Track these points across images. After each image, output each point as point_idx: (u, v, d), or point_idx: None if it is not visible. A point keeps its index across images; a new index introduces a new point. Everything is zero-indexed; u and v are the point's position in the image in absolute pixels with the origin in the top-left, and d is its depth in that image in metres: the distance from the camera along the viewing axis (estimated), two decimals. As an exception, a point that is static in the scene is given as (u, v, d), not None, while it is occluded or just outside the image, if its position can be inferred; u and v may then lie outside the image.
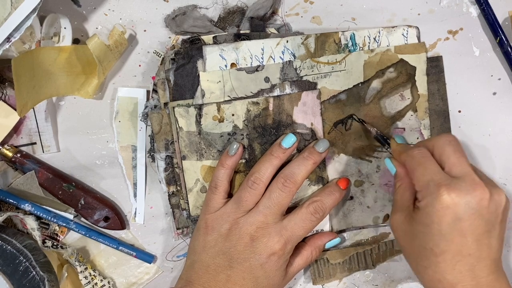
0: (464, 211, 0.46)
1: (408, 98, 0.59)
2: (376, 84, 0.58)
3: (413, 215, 0.50)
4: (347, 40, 0.57)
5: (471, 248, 0.47)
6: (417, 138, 0.59)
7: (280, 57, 0.56)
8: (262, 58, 0.56)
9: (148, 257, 0.61)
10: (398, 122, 0.59)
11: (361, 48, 0.58)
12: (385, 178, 0.60)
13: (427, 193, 0.48)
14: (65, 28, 0.56)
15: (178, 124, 0.56)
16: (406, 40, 0.58)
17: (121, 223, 0.60)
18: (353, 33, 0.57)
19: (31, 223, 0.58)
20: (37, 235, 0.58)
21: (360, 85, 0.58)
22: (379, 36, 0.58)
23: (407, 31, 0.58)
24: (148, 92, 0.59)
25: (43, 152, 0.60)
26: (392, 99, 0.59)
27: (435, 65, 0.60)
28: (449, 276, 0.48)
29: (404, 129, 0.59)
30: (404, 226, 0.51)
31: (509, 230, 0.63)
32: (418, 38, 0.59)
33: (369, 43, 0.58)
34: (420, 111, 0.59)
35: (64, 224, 0.59)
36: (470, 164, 0.49)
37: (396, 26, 0.58)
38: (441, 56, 0.60)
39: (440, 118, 0.60)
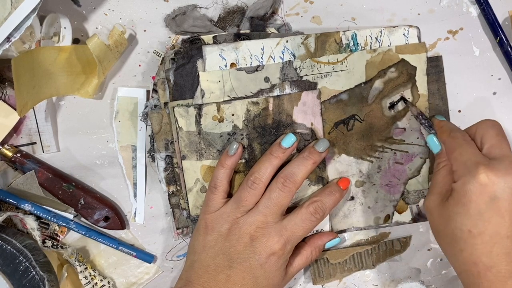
0: (503, 191, 0.46)
1: (409, 98, 0.59)
2: (378, 84, 0.58)
3: (448, 198, 0.49)
4: (348, 40, 0.57)
5: (509, 229, 0.47)
6: (417, 138, 0.59)
7: (280, 57, 0.56)
8: (262, 58, 0.56)
9: (148, 257, 0.61)
10: (398, 122, 0.59)
11: (362, 48, 0.58)
12: (386, 178, 0.60)
13: (464, 171, 0.48)
14: (65, 28, 0.56)
15: (178, 124, 0.56)
16: (407, 40, 0.58)
17: (121, 223, 0.60)
18: (355, 33, 0.57)
19: (31, 223, 0.58)
20: (37, 235, 0.58)
21: (362, 85, 0.58)
22: (381, 36, 0.58)
23: (408, 31, 0.58)
24: (148, 92, 0.59)
25: (43, 152, 0.60)
26: (393, 99, 0.59)
27: (435, 65, 0.60)
28: (485, 259, 0.47)
29: (404, 129, 0.59)
30: (440, 209, 0.50)
31: None
32: (419, 38, 0.59)
33: (371, 42, 0.58)
34: (420, 111, 0.59)
35: (64, 224, 0.59)
36: (510, 145, 0.49)
37: (397, 26, 0.58)
38: (441, 56, 0.60)
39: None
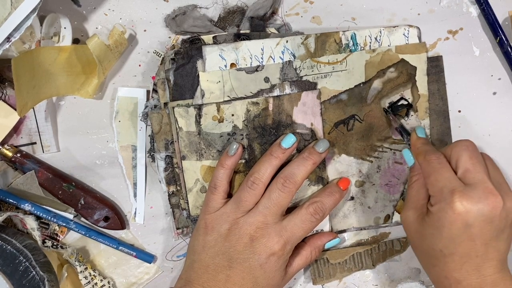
0: (475, 218, 0.48)
1: (409, 98, 0.59)
2: (377, 84, 0.58)
3: (425, 217, 0.51)
4: (348, 40, 0.57)
5: (479, 251, 0.49)
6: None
7: (280, 57, 0.56)
8: (262, 58, 0.56)
9: (148, 257, 0.61)
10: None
11: (362, 48, 0.58)
12: (386, 178, 0.60)
13: (440, 198, 0.49)
14: (65, 28, 0.56)
15: (177, 124, 0.56)
16: (407, 40, 0.58)
17: (121, 223, 0.60)
18: (354, 33, 0.57)
19: (31, 223, 0.58)
20: (37, 235, 0.58)
21: (361, 85, 0.58)
22: (380, 36, 0.58)
23: (408, 31, 0.58)
24: (148, 92, 0.59)
25: (43, 152, 0.60)
26: (392, 100, 0.59)
27: (435, 65, 0.60)
28: (456, 274, 0.50)
29: (404, 129, 0.59)
30: (416, 225, 0.53)
31: None
32: (419, 38, 0.59)
33: (370, 42, 0.58)
34: (420, 111, 0.59)
35: (64, 224, 0.59)
36: (486, 170, 0.50)
37: (397, 26, 0.58)
38: (441, 56, 0.60)
39: (440, 118, 0.60)
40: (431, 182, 0.51)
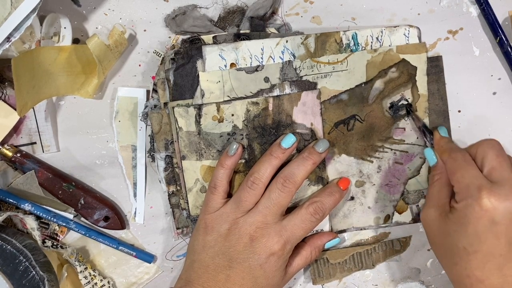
0: (502, 216, 0.48)
1: (409, 98, 0.59)
2: (378, 84, 0.58)
3: (448, 214, 0.51)
4: (349, 40, 0.57)
5: (503, 249, 0.48)
6: (417, 138, 0.59)
7: (279, 57, 0.56)
8: (262, 58, 0.56)
9: (148, 257, 0.61)
10: (398, 122, 0.59)
11: (363, 48, 0.58)
12: (386, 178, 0.60)
13: (467, 195, 0.49)
14: (65, 27, 0.56)
15: (177, 124, 0.56)
16: (407, 40, 0.58)
17: (121, 223, 0.60)
18: (355, 33, 0.57)
19: (31, 223, 0.58)
20: (37, 234, 0.58)
21: (363, 85, 0.58)
22: (381, 36, 0.58)
23: (409, 31, 0.58)
24: (148, 92, 0.59)
25: (43, 152, 0.60)
26: (393, 100, 0.59)
27: (435, 65, 0.60)
28: (478, 273, 0.49)
29: (404, 129, 0.59)
30: (438, 223, 0.52)
31: None
32: (419, 38, 0.59)
33: (371, 42, 0.58)
34: (420, 111, 0.59)
35: (64, 224, 0.59)
36: (511, 167, 0.50)
37: (398, 26, 0.58)
38: (441, 56, 0.60)
39: (440, 118, 0.60)
40: (457, 178, 0.50)
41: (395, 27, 0.58)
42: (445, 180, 0.54)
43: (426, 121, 0.59)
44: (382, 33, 0.58)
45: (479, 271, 0.49)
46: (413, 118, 0.58)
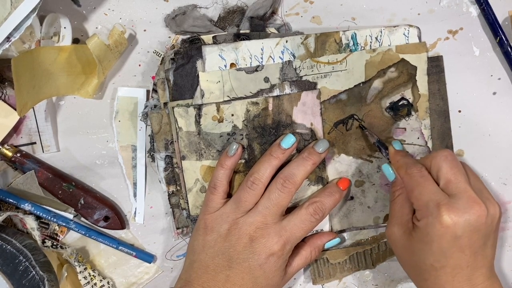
0: (463, 229, 0.48)
1: (409, 98, 0.59)
2: (377, 84, 0.58)
3: (412, 232, 0.51)
4: (348, 40, 0.57)
5: (469, 261, 0.49)
6: (418, 138, 0.59)
7: (279, 57, 0.56)
8: (262, 58, 0.56)
9: (148, 257, 0.61)
10: (399, 122, 0.59)
11: (362, 48, 0.58)
12: (386, 178, 0.60)
13: (426, 213, 0.49)
14: (65, 27, 0.56)
15: (177, 124, 0.56)
16: (407, 40, 0.58)
17: (121, 223, 0.60)
18: (355, 33, 0.57)
19: (31, 223, 0.58)
20: (36, 234, 0.58)
21: (361, 85, 0.58)
22: (381, 36, 0.58)
23: (408, 30, 0.58)
24: (148, 91, 0.60)
25: (43, 152, 0.60)
26: (393, 99, 0.59)
27: (435, 65, 0.60)
28: (448, 286, 0.50)
29: (405, 129, 0.59)
30: (403, 241, 0.53)
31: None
32: (419, 37, 0.59)
33: (370, 42, 0.58)
34: (421, 111, 0.59)
35: (64, 224, 0.59)
36: (467, 179, 0.51)
37: (397, 26, 0.58)
38: (442, 56, 0.60)
39: (441, 118, 0.60)
40: (415, 196, 0.51)
41: (394, 27, 0.58)
42: (406, 195, 0.54)
43: (427, 121, 0.59)
44: (381, 33, 0.58)
45: (449, 284, 0.50)
46: (367, 134, 0.58)
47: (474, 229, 0.48)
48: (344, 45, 0.57)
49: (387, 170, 0.56)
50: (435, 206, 0.49)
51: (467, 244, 0.49)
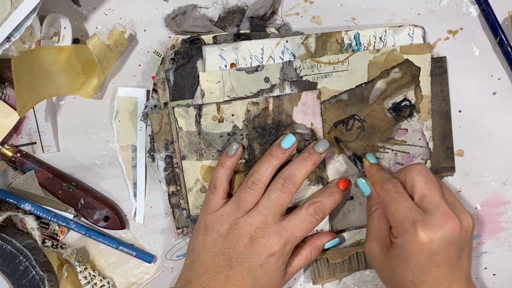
0: (439, 245, 0.49)
1: (412, 99, 0.59)
2: (380, 84, 0.58)
3: (389, 249, 0.52)
4: (350, 40, 0.57)
5: (446, 274, 0.50)
6: (419, 139, 0.59)
7: (280, 57, 0.56)
8: (262, 58, 0.56)
9: (148, 257, 0.61)
10: (400, 123, 0.59)
11: (366, 48, 0.57)
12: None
13: (403, 230, 0.51)
14: (65, 27, 0.56)
15: (177, 124, 0.56)
16: (412, 40, 0.58)
17: (121, 223, 0.60)
18: (358, 33, 0.57)
19: (31, 223, 0.58)
20: (37, 234, 0.58)
21: (364, 85, 0.58)
22: (385, 36, 0.57)
23: (413, 31, 0.58)
24: (148, 92, 0.59)
25: (43, 152, 0.60)
26: (396, 100, 0.59)
27: (438, 66, 0.59)
28: None
29: (406, 130, 0.59)
30: (382, 258, 0.54)
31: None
32: (424, 38, 0.59)
33: (374, 42, 0.57)
34: (423, 112, 0.59)
35: (64, 224, 0.59)
36: (441, 193, 0.51)
37: (402, 26, 0.58)
38: (445, 56, 0.60)
39: (442, 119, 0.60)
40: (391, 212, 0.51)
41: (399, 26, 0.58)
42: (382, 210, 0.54)
43: (429, 122, 0.59)
44: (386, 33, 0.57)
45: None
46: (342, 148, 0.58)
47: (449, 244, 0.49)
48: (346, 45, 0.57)
49: (363, 185, 0.56)
50: (411, 223, 0.50)
51: (443, 259, 0.50)
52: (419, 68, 0.58)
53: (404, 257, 0.50)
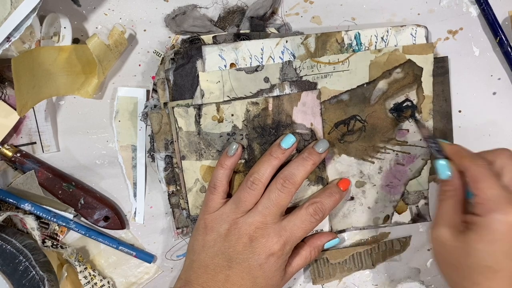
0: None
1: (414, 99, 0.58)
2: (382, 84, 0.58)
3: (467, 232, 0.47)
4: (351, 40, 0.57)
5: None
6: (420, 140, 0.59)
7: (279, 57, 0.56)
8: (262, 58, 0.56)
9: (148, 257, 0.61)
10: (402, 124, 0.59)
11: (366, 48, 0.57)
12: (387, 179, 0.60)
13: (493, 208, 0.46)
14: (65, 27, 0.56)
15: (177, 124, 0.56)
16: (414, 40, 0.58)
17: (121, 222, 0.60)
18: (358, 33, 0.57)
19: (31, 223, 0.58)
20: (36, 234, 0.58)
21: (365, 85, 0.58)
22: (387, 36, 0.57)
23: (416, 30, 0.58)
24: (148, 91, 0.60)
25: (43, 151, 0.60)
26: (397, 101, 0.58)
27: (440, 66, 0.59)
28: None
29: (408, 130, 0.59)
30: (454, 243, 0.48)
31: None
32: (427, 38, 0.58)
33: (376, 42, 0.57)
34: (424, 113, 0.59)
35: (64, 224, 0.59)
36: None
37: (405, 25, 0.58)
38: (447, 56, 0.60)
39: (443, 119, 0.60)
40: (481, 188, 0.47)
41: (401, 26, 0.58)
42: (459, 196, 0.51)
43: (430, 122, 0.59)
44: (387, 32, 0.57)
45: None
46: (420, 127, 0.57)
47: None
48: (346, 45, 0.57)
49: (443, 167, 0.52)
50: (504, 203, 0.46)
51: None
52: (421, 68, 0.58)
53: (489, 238, 0.46)
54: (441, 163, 0.52)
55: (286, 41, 0.56)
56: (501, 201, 0.46)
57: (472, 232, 0.47)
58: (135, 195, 0.61)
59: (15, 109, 0.58)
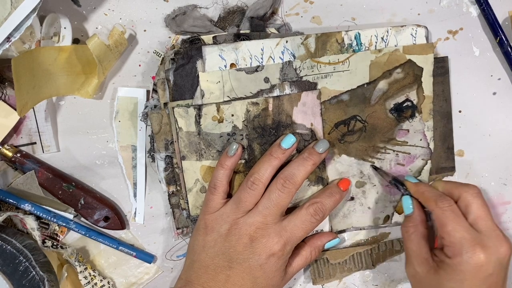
0: (494, 267, 0.50)
1: (414, 100, 0.58)
2: (382, 85, 0.58)
3: (438, 270, 0.52)
4: (351, 40, 0.57)
5: None
6: (420, 140, 0.59)
7: (279, 57, 0.56)
8: (262, 59, 0.56)
9: (148, 257, 0.61)
10: (402, 124, 0.59)
11: (367, 48, 0.57)
12: (386, 180, 0.60)
13: (460, 251, 0.50)
14: (65, 28, 0.56)
15: (177, 124, 0.56)
16: (415, 40, 0.58)
17: (121, 223, 0.60)
18: (358, 33, 0.57)
19: (31, 223, 0.58)
20: (37, 235, 0.58)
21: (365, 85, 0.58)
22: (387, 36, 0.57)
23: (416, 30, 0.58)
24: (148, 92, 0.59)
25: (43, 152, 0.60)
26: (398, 101, 0.58)
27: (440, 66, 0.59)
28: None
29: (408, 130, 0.59)
30: (429, 280, 0.53)
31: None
32: (427, 38, 0.58)
33: (376, 42, 0.57)
34: (424, 113, 0.59)
35: (64, 224, 0.59)
36: (491, 215, 0.52)
37: (405, 26, 0.58)
38: (447, 57, 0.60)
39: (444, 119, 0.60)
40: (447, 231, 0.51)
41: (401, 26, 0.58)
42: (421, 232, 0.54)
43: (430, 122, 0.59)
44: (388, 33, 0.57)
45: None
46: (381, 174, 0.59)
47: (501, 266, 0.50)
48: (346, 45, 0.57)
49: (407, 203, 0.56)
50: (470, 244, 0.50)
51: (495, 280, 0.50)
52: (422, 68, 0.58)
53: (459, 278, 0.50)
54: (406, 198, 0.56)
55: (286, 41, 0.56)
56: (466, 243, 0.50)
57: (443, 271, 0.51)
58: (135, 195, 0.61)
59: (15, 109, 0.58)
